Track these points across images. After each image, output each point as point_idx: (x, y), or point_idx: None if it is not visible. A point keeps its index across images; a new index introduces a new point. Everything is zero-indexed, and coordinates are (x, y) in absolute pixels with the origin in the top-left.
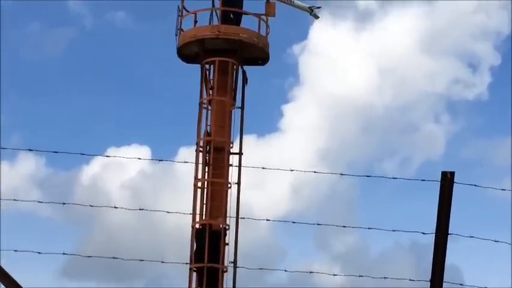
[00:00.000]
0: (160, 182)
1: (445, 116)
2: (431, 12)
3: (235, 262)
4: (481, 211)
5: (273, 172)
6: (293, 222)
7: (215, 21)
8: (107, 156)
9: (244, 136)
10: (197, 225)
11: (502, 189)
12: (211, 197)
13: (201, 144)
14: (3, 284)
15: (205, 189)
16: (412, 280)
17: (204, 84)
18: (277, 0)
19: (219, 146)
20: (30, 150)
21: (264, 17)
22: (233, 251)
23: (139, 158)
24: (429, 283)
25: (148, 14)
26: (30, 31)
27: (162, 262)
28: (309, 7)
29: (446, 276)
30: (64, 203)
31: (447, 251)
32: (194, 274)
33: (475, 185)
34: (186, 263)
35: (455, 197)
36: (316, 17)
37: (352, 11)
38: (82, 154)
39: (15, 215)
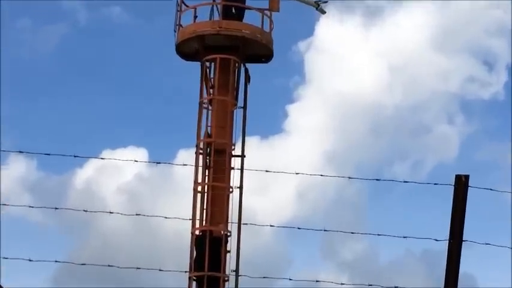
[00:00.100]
0: (158, 186)
1: (459, 117)
2: (444, 8)
3: (237, 270)
4: (496, 216)
5: (277, 175)
6: (298, 228)
7: (216, 17)
8: (102, 158)
9: (246, 137)
10: (197, 232)
11: None
12: (211, 201)
13: (201, 146)
14: None
15: (206, 194)
16: None
17: (204, 83)
18: None
19: (220, 148)
20: (20, 152)
21: (267, 12)
22: (235, 259)
23: (136, 161)
24: None
25: (146, 9)
26: (20, 27)
27: (160, 270)
28: (315, 1)
29: (460, 286)
30: (56, 208)
31: (461, 258)
32: (194, 283)
33: (491, 189)
34: (186, 272)
35: (469, 202)
36: (323, 12)
37: (361, 6)
38: (75, 156)
39: (5, 220)
